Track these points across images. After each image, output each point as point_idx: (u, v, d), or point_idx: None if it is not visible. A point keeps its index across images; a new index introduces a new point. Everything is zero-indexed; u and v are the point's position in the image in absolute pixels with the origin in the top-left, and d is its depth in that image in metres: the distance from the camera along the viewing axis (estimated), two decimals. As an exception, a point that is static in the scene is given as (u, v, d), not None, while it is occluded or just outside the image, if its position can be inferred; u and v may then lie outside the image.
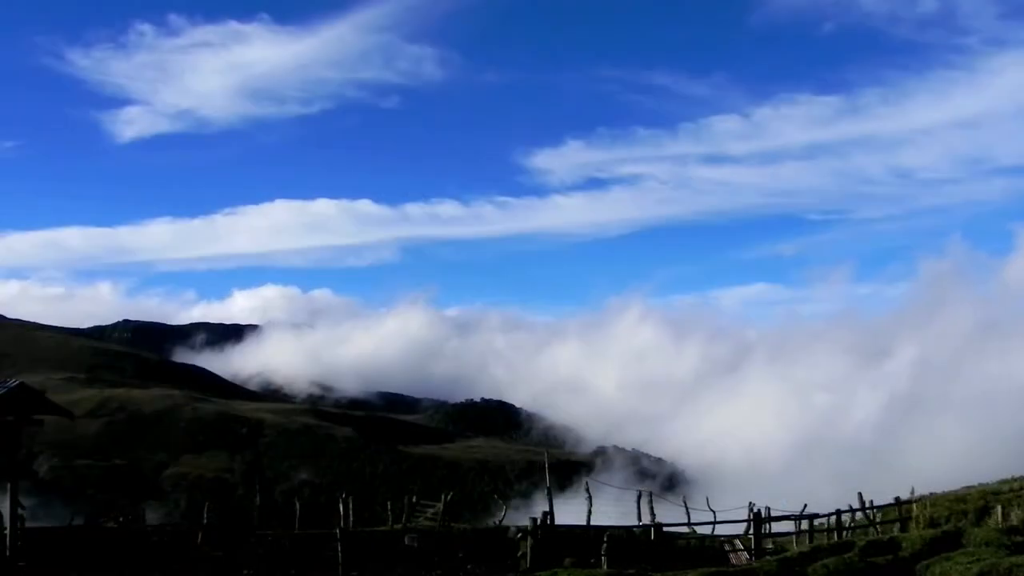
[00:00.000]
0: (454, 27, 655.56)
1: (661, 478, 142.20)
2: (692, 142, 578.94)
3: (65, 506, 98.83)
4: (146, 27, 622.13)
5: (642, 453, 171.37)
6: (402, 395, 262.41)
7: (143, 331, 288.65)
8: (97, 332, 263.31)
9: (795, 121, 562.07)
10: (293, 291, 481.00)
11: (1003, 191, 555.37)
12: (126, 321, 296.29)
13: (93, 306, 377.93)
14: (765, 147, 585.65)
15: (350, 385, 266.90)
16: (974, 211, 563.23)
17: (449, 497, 36.40)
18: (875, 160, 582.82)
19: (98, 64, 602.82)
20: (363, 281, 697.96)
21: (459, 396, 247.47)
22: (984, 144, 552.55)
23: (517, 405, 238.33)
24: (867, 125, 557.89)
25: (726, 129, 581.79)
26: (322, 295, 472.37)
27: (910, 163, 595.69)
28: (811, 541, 26.71)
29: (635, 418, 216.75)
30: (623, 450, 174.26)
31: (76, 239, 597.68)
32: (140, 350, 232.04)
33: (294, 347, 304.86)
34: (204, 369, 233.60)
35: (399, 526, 37.33)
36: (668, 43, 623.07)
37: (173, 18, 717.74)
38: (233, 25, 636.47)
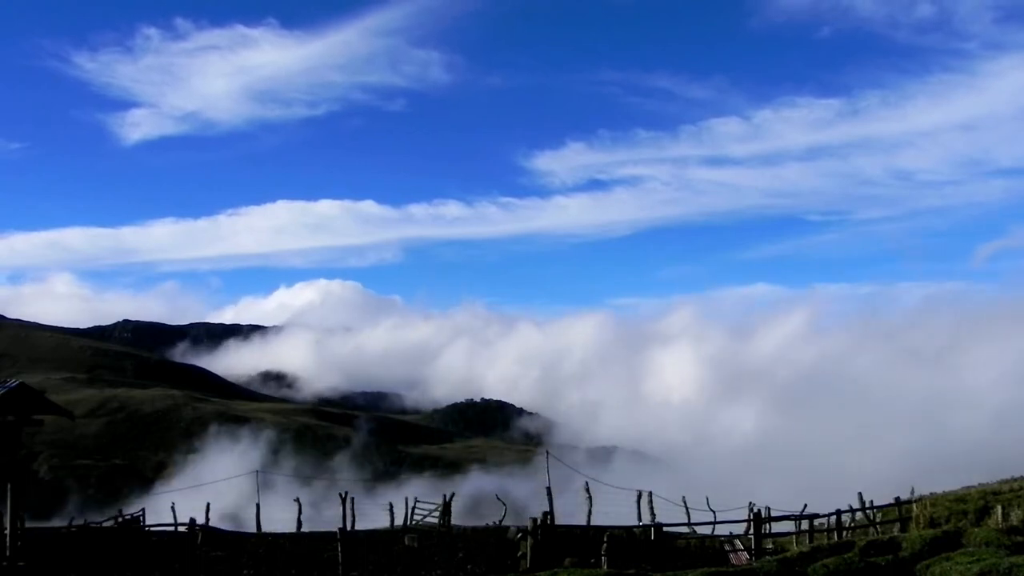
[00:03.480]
0: (459, 31, 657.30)
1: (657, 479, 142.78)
2: (693, 144, 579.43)
3: (66, 506, 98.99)
4: (152, 31, 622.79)
5: (642, 452, 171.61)
6: (403, 395, 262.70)
7: (143, 331, 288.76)
8: (97, 332, 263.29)
9: (795, 123, 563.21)
10: (295, 292, 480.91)
11: (1003, 192, 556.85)
12: (126, 321, 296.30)
13: (93, 306, 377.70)
14: (766, 149, 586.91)
15: (350, 385, 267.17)
16: (974, 212, 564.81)
17: (450, 497, 36.41)
18: (875, 162, 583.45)
19: (104, 67, 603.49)
20: (366, 281, 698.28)
21: (459, 396, 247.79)
22: (984, 146, 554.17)
23: (517, 405, 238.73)
24: (867, 127, 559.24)
25: (727, 131, 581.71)
26: (323, 295, 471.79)
27: (910, 165, 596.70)
28: (811, 541, 26.70)
29: (639, 418, 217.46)
30: (622, 449, 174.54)
31: (79, 239, 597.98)
32: (140, 350, 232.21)
33: (295, 347, 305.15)
34: (204, 369, 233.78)
35: (399, 526, 37.36)
36: (669, 46, 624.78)
37: (179, 22, 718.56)
38: (240, 29, 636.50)
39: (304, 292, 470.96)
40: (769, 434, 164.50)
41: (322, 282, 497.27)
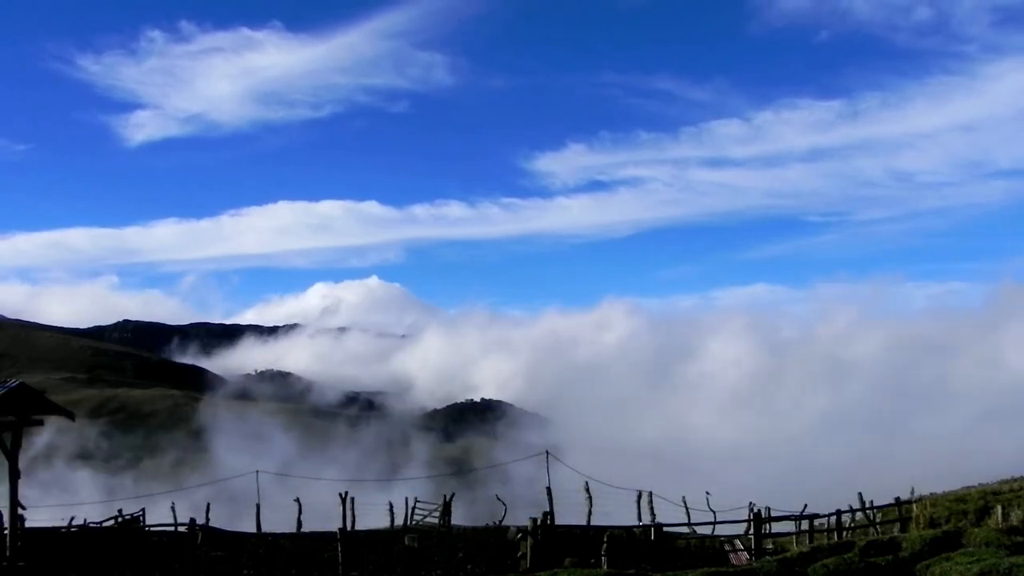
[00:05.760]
0: (463, 34, 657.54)
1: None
2: (694, 145, 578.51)
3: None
4: (156, 33, 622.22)
5: (641, 452, 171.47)
6: (402, 395, 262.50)
7: (143, 331, 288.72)
8: (97, 332, 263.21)
9: (796, 125, 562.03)
10: (295, 292, 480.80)
11: (1003, 193, 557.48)
12: (126, 321, 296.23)
13: (93, 306, 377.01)
14: (766, 151, 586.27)
15: (350, 384, 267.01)
16: (973, 213, 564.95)
17: (450, 497, 36.43)
18: (875, 163, 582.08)
19: (108, 69, 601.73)
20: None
21: (458, 396, 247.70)
22: (983, 148, 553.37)
23: (516, 405, 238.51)
24: (867, 129, 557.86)
25: (727, 133, 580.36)
26: (324, 295, 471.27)
27: (910, 166, 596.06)
28: (811, 541, 26.70)
29: (640, 417, 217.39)
30: (622, 449, 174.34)
31: (81, 239, 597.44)
32: (140, 350, 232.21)
33: (295, 347, 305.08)
34: (204, 369, 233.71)
35: (399, 526, 37.38)
36: (670, 49, 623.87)
37: (184, 24, 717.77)
38: (244, 32, 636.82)
39: (321, 292, 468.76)
40: (771, 435, 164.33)
41: (324, 282, 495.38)
